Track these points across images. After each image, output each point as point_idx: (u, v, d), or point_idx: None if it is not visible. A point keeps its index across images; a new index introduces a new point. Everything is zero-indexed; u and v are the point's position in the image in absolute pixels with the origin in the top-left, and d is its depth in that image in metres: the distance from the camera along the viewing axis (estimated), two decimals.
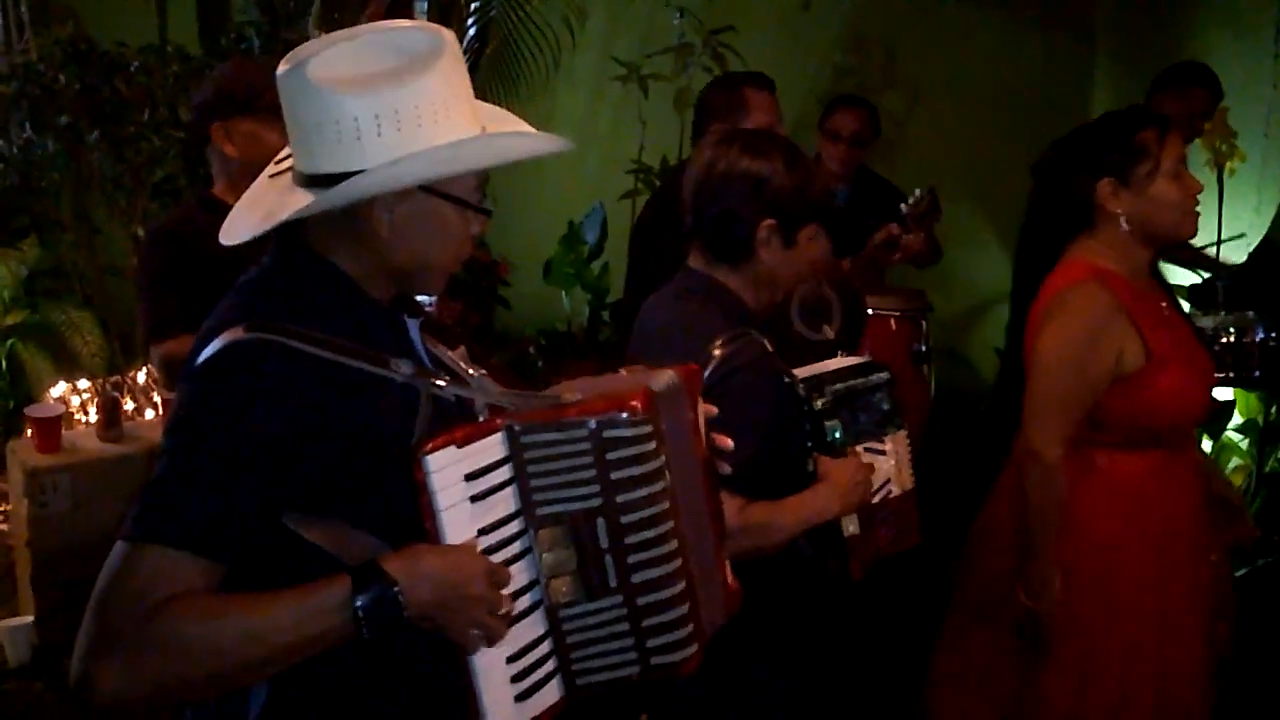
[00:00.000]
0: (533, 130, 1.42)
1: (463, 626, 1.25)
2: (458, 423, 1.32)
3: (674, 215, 2.46)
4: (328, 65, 1.28)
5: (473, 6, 4.48)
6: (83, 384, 3.62)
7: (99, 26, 4.32)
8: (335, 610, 1.19)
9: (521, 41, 4.57)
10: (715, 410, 1.58)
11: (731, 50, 4.38)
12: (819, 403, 1.97)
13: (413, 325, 1.41)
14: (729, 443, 1.58)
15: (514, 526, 1.32)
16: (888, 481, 2.10)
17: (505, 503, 1.31)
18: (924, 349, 3.71)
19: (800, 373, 2.05)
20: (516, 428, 1.31)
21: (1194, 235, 2.28)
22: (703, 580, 1.44)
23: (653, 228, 3.10)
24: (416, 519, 1.25)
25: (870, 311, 3.62)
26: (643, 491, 1.32)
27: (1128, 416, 2.15)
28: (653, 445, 1.33)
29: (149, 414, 3.65)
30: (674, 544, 1.36)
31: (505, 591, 1.28)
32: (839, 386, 2.02)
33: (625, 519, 1.32)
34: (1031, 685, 2.27)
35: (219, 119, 2.48)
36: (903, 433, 2.15)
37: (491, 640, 1.27)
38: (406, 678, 1.34)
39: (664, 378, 1.45)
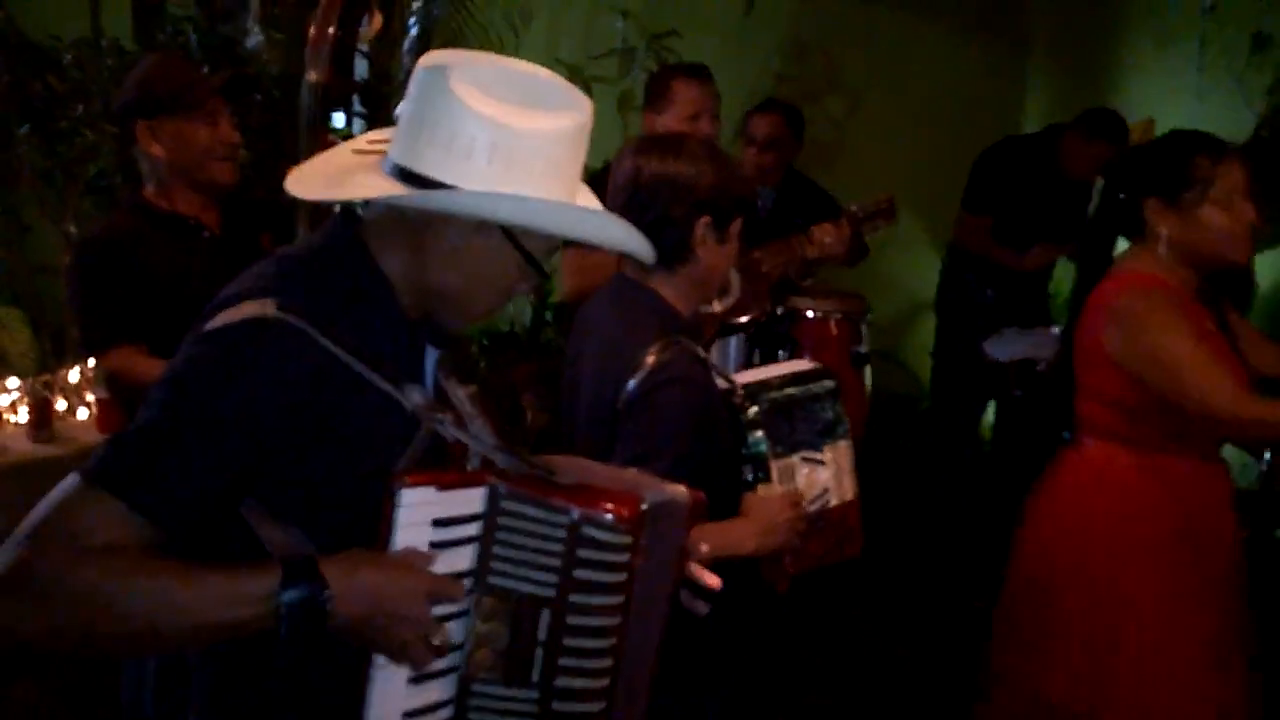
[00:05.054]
0: (623, 221, 1.40)
1: (387, 644, 1.21)
2: (437, 458, 1.27)
3: None
4: (469, 79, 1.27)
5: (414, 6, 4.45)
6: (12, 383, 3.53)
7: (30, 19, 4.22)
8: (259, 600, 1.14)
9: (465, 42, 4.55)
10: (706, 549, 1.57)
11: (674, 54, 4.41)
12: (750, 411, 1.94)
13: (431, 354, 1.38)
14: (714, 580, 1.55)
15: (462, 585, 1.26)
16: (825, 492, 2.07)
17: (462, 559, 1.25)
18: (863, 351, 3.75)
19: (743, 378, 2.03)
20: (502, 490, 1.26)
21: (1244, 261, 2.26)
22: (623, 702, 1.37)
23: None
24: (368, 545, 1.21)
25: (810, 314, 3.65)
26: (598, 599, 1.27)
27: (1171, 416, 2.15)
28: (625, 557, 1.27)
29: (82, 414, 3.57)
30: (608, 661, 1.30)
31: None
32: (778, 395, 1.99)
33: (571, 620, 1.27)
34: (1044, 693, 2.26)
35: (143, 118, 2.38)
36: (845, 442, 2.12)
37: (414, 665, 1.23)
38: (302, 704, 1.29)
39: (666, 493, 1.37)
